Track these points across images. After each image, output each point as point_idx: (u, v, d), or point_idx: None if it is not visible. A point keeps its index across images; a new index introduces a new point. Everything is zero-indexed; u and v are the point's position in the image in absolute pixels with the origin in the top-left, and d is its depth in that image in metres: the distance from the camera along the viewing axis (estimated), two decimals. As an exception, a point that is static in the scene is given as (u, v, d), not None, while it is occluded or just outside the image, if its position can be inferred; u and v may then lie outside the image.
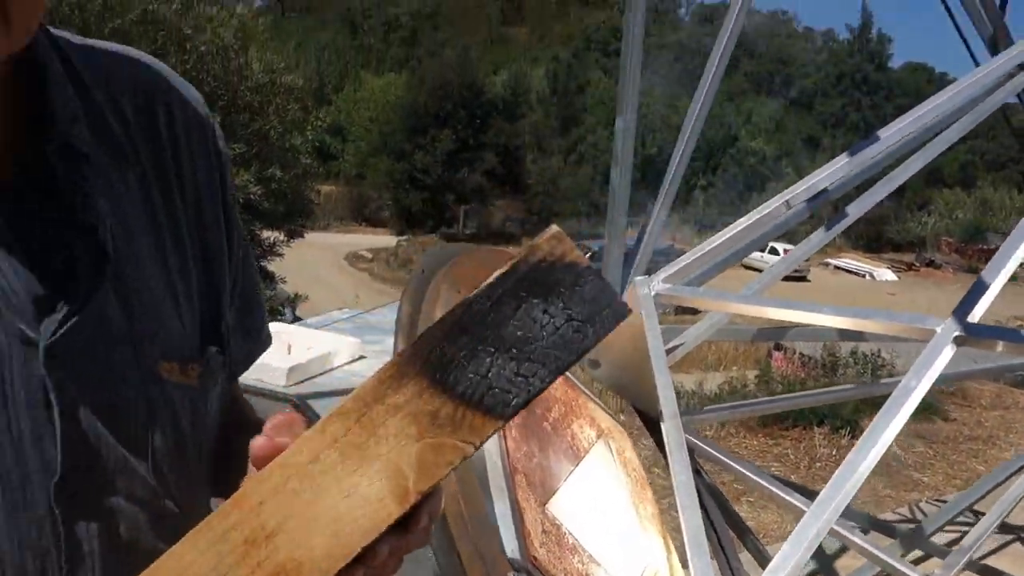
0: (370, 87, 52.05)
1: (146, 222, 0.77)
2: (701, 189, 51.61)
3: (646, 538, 2.10)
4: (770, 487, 2.20)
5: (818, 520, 1.78)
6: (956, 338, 1.74)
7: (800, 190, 2.39)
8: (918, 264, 42.46)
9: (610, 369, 2.44)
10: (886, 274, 38.35)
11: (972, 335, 1.73)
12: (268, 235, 9.89)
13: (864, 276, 38.02)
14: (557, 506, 1.80)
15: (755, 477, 2.24)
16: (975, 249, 41.08)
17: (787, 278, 3.48)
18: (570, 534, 1.78)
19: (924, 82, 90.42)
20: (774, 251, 22.69)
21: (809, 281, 31.06)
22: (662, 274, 2.30)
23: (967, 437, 8.35)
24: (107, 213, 0.72)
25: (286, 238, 10.39)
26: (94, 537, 0.71)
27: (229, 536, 0.58)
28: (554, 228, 0.61)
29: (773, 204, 2.42)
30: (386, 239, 38.59)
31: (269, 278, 10.12)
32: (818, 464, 7.16)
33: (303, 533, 0.58)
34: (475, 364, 0.58)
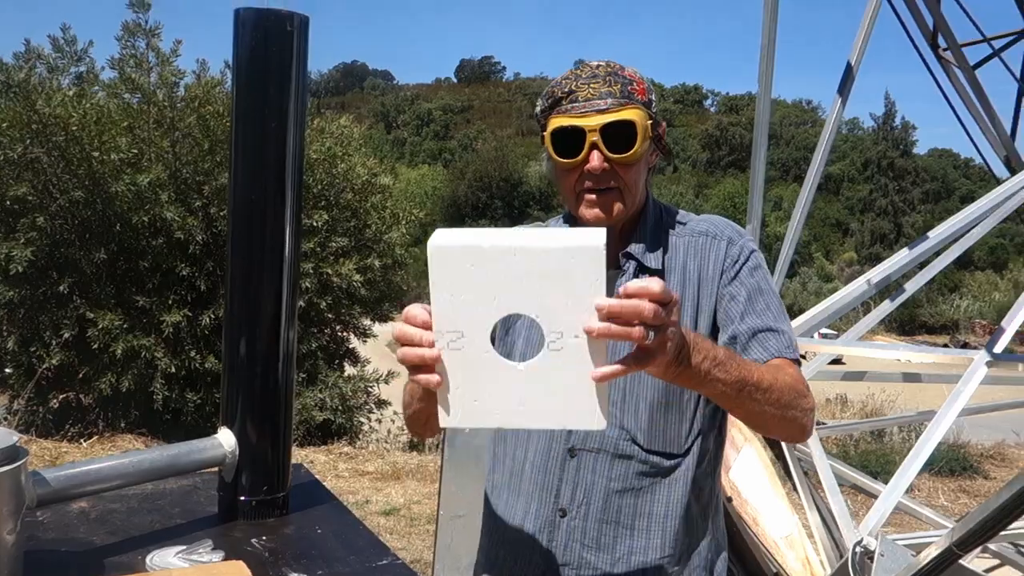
0: (405, 178, 53.72)
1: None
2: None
3: (781, 503, 3.07)
4: (856, 475, 3.20)
5: (898, 483, 2.78)
6: (988, 362, 2.74)
7: (876, 273, 3.43)
8: (952, 346, 42.80)
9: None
10: (922, 356, 38.74)
11: (998, 359, 2.73)
12: (365, 321, 11.02)
13: (898, 359, 38.43)
14: (733, 474, 2.80)
15: (845, 469, 3.24)
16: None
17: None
18: (741, 492, 2.77)
19: (950, 167, 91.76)
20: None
21: (844, 364, 31.70)
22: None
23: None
24: None
25: (374, 322, 11.48)
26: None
27: None
28: None
29: (859, 282, 3.46)
30: (426, 326, 39.50)
31: (359, 361, 11.19)
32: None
33: None
34: None
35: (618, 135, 1.51)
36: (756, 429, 1.51)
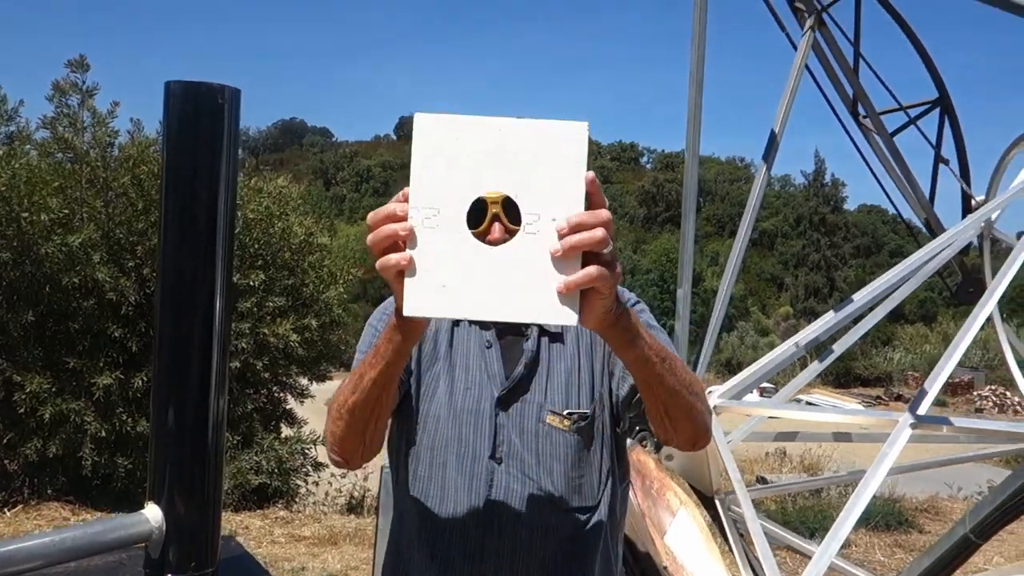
0: (345, 235, 53.44)
1: (569, 359, 1.74)
2: (671, 330, 53.15)
3: (717, 566, 3.09)
4: (789, 536, 3.23)
5: (829, 546, 2.81)
6: (911, 424, 2.82)
7: (804, 335, 3.53)
8: (886, 398, 43.58)
9: (680, 461, 3.49)
10: (856, 408, 39.49)
11: (922, 421, 2.81)
12: (303, 381, 10.85)
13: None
14: (668, 539, 2.81)
15: (777, 530, 3.27)
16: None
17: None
18: (677, 557, 2.78)
19: (879, 222, 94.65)
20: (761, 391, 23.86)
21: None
22: (717, 392, 3.40)
23: (942, 549, 9.25)
24: (548, 352, 1.77)
25: (311, 382, 11.30)
26: (504, 474, 1.66)
27: None
28: None
29: (787, 345, 3.55)
30: (366, 384, 39.01)
31: (296, 422, 10.97)
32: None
33: None
34: None
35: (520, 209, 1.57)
36: (668, 421, 1.52)
